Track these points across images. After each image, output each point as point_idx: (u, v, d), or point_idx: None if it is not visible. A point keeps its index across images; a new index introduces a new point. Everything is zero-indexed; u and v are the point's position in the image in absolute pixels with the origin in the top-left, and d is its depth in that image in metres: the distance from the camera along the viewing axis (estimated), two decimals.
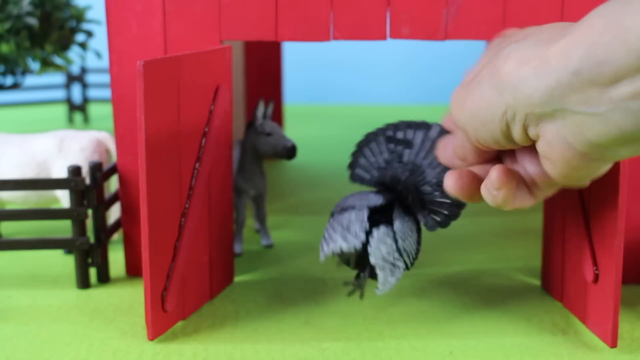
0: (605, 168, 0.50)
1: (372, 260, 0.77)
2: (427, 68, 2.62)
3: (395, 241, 0.78)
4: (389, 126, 0.84)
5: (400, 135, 0.83)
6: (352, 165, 0.86)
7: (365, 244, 0.78)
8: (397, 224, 0.79)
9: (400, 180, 0.81)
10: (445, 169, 0.75)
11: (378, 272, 0.77)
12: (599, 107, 0.44)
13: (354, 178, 0.85)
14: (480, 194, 0.57)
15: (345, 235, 0.78)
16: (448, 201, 0.80)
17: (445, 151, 0.61)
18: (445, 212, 0.80)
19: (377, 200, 0.80)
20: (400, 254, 0.79)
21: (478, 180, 0.57)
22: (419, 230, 0.82)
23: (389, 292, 0.93)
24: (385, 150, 0.83)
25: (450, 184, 0.57)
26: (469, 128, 0.54)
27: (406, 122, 0.83)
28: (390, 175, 0.82)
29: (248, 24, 0.90)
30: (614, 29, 0.42)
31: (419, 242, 0.82)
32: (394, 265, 0.78)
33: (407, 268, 0.80)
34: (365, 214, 0.79)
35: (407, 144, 0.82)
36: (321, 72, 2.54)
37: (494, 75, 0.49)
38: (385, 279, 0.78)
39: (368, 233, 0.78)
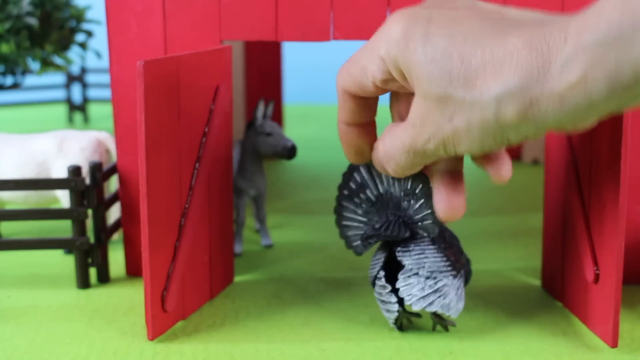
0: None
1: (416, 308, 0.78)
2: None
3: (417, 273, 0.78)
4: (340, 187, 0.83)
5: (352, 185, 0.82)
6: (348, 243, 0.83)
7: (402, 300, 0.79)
8: (406, 261, 0.78)
9: (388, 218, 0.80)
10: (407, 178, 0.78)
11: (435, 309, 0.78)
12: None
13: (359, 250, 0.83)
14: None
15: (386, 310, 0.80)
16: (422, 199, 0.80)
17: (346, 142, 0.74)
18: (429, 210, 0.79)
19: (381, 256, 0.81)
20: (432, 277, 0.78)
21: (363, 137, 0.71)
22: (434, 242, 0.80)
23: None
24: (356, 207, 0.82)
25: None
26: (459, 153, 0.61)
27: (349, 170, 0.82)
28: (377, 220, 0.81)
29: (248, 24, 0.90)
30: None
31: (444, 248, 0.80)
32: (437, 290, 0.78)
33: (456, 273, 0.80)
34: (383, 279, 0.79)
35: (362, 186, 0.81)
36: (321, 72, 2.54)
37: (494, 128, 0.55)
38: (447, 306, 0.78)
39: (396, 290, 0.79)
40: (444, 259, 0.79)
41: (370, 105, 0.70)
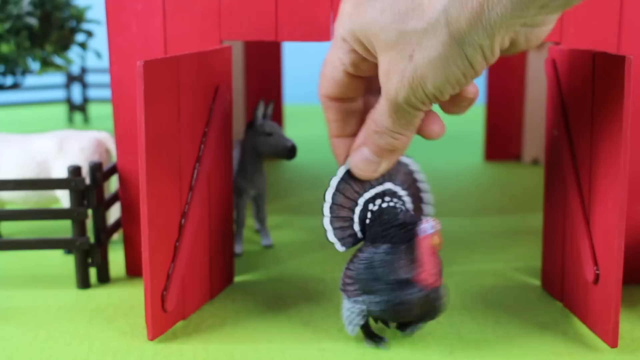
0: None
1: None
2: None
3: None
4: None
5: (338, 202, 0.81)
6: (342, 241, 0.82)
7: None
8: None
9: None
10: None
11: None
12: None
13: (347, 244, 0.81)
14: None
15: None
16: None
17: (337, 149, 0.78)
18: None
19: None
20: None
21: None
22: (351, 260, 0.79)
23: None
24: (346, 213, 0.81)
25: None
26: (432, 98, 0.65)
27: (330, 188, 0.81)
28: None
29: (248, 24, 0.90)
30: None
31: (346, 268, 0.79)
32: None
33: (346, 295, 0.77)
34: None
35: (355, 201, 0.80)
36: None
37: (451, 41, 0.59)
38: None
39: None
40: (344, 278, 0.78)
41: (355, 112, 0.73)
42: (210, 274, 0.90)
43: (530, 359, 0.76)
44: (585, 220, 0.81)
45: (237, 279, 0.97)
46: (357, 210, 0.79)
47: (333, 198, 0.81)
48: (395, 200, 0.79)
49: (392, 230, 0.75)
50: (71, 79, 2.03)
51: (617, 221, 0.75)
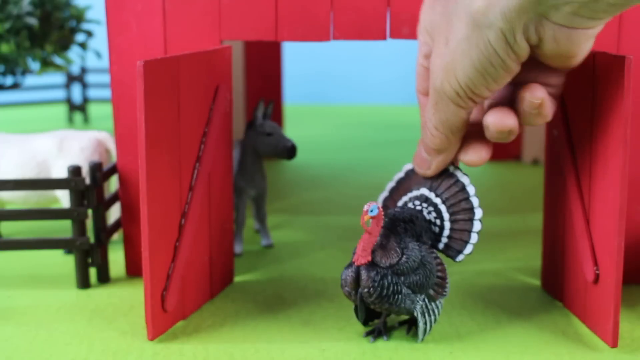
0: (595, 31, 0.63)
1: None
2: None
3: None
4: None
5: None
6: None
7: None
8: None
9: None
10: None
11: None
12: None
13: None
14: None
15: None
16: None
17: (419, 159, 0.77)
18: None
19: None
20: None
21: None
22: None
23: None
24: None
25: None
26: (465, 88, 0.63)
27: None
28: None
29: (248, 24, 0.90)
30: None
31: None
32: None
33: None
34: None
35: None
36: (321, 72, 2.54)
37: (471, 22, 0.59)
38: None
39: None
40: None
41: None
42: (210, 274, 0.90)
43: (530, 359, 0.76)
44: (585, 220, 0.81)
45: (237, 279, 0.97)
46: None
47: (385, 197, 0.85)
48: (425, 205, 0.81)
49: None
50: (71, 79, 2.03)
51: (617, 221, 0.75)
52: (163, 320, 0.81)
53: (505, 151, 1.65)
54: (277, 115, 1.63)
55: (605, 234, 0.77)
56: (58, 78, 2.31)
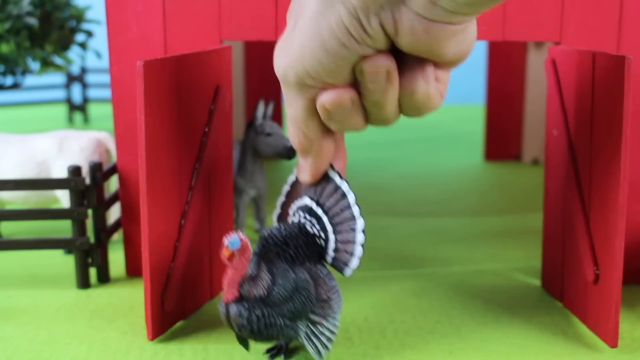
0: (464, 31, 0.54)
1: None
2: None
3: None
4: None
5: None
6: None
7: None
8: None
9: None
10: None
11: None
12: None
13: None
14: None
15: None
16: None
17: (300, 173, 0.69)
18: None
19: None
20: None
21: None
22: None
23: (389, 291, 0.93)
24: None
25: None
26: (313, 73, 0.56)
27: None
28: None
29: (248, 24, 0.90)
30: None
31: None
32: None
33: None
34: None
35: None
36: None
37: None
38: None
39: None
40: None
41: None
42: (210, 274, 0.90)
43: (530, 359, 0.76)
44: (585, 220, 0.81)
45: None
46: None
47: (282, 202, 0.79)
48: (308, 217, 0.73)
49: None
50: (71, 79, 2.03)
51: (617, 221, 0.75)
52: (163, 320, 0.81)
53: (505, 151, 1.65)
54: (277, 115, 1.63)
55: (605, 234, 0.77)
56: (58, 78, 2.31)
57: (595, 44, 0.88)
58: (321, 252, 0.73)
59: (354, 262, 0.71)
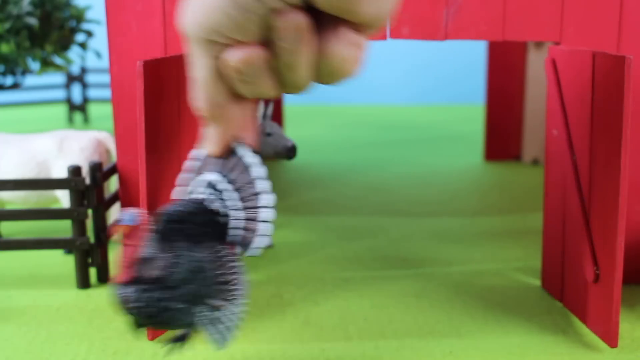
0: None
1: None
2: (427, 68, 2.62)
3: None
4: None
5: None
6: None
7: None
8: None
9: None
10: None
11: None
12: None
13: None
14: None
15: None
16: None
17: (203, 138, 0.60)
18: None
19: None
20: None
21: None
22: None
23: (389, 291, 0.93)
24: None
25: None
26: (221, 28, 0.51)
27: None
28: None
29: None
30: None
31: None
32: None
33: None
34: None
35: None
36: None
37: None
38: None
39: None
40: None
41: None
42: None
43: (530, 359, 0.76)
44: (585, 220, 0.81)
45: None
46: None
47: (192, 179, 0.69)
48: (211, 193, 0.66)
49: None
50: (71, 79, 2.03)
51: (617, 221, 0.75)
52: None
53: (505, 151, 1.65)
54: (277, 115, 1.63)
55: (605, 234, 0.77)
56: (58, 78, 2.31)
57: (595, 44, 0.88)
58: (225, 230, 0.66)
59: (259, 241, 0.65)
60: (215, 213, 0.66)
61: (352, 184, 1.45)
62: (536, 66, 1.58)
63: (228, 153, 0.64)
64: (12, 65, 1.47)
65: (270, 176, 1.45)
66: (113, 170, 0.97)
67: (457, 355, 0.77)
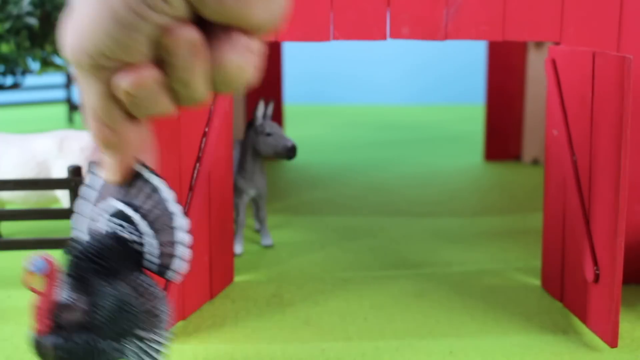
0: None
1: None
2: (427, 68, 2.62)
3: None
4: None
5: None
6: None
7: None
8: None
9: None
10: None
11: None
12: None
13: None
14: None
15: None
16: None
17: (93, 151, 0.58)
18: None
19: None
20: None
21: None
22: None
23: (389, 291, 0.93)
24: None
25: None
26: (107, 52, 0.48)
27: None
28: None
29: None
30: None
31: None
32: None
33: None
34: None
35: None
36: (321, 72, 2.54)
37: None
38: None
39: None
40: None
41: None
42: (210, 274, 0.90)
43: (530, 359, 0.76)
44: (585, 220, 0.81)
45: (237, 279, 0.97)
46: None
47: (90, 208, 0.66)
48: (119, 222, 0.63)
49: None
50: (71, 79, 2.03)
51: (617, 221, 0.75)
52: None
53: (505, 151, 1.65)
54: (277, 115, 1.63)
55: (605, 234, 0.77)
56: (58, 78, 2.31)
57: (595, 44, 0.88)
58: (140, 258, 0.64)
59: (178, 265, 0.63)
60: (128, 243, 0.63)
61: (352, 184, 1.45)
62: (536, 66, 1.58)
63: (129, 178, 0.60)
64: (12, 65, 1.47)
65: (270, 176, 1.45)
66: None
67: (457, 355, 0.77)
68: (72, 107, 2.03)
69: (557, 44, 0.89)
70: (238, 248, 1.06)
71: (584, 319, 0.83)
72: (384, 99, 2.57)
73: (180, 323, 0.84)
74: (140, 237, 0.63)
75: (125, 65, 0.50)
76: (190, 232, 0.82)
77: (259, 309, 0.88)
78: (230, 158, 0.93)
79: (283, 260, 1.04)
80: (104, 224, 0.63)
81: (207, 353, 0.77)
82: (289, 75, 2.11)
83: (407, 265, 1.02)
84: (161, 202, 0.63)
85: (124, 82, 0.51)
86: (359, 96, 2.56)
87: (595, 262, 0.79)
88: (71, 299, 0.61)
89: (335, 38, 0.90)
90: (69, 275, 0.61)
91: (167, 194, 0.62)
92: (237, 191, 1.05)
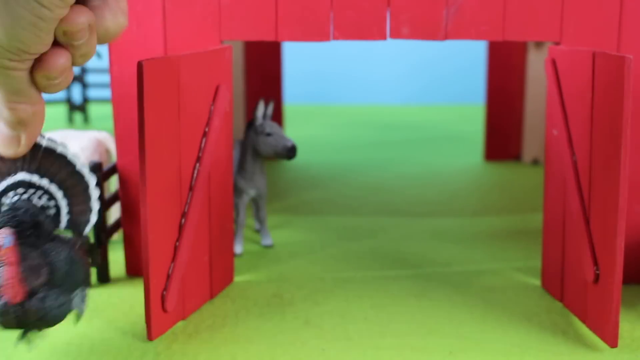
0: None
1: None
2: (427, 68, 2.62)
3: None
4: None
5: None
6: None
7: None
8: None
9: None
10: None
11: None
12: None
13: None
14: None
15: None
16: None
17: None
18: None
19: None
20: None
21: None
22: None
23: (389, 291, 0.93)
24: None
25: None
26: (15, 52, 0.54)
27: None
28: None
29: (248, 24, 0.90)
30: None
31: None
32: None
33: None
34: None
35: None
36: (321, 72, 2.54)
37: None
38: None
39: None
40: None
41: None
42: (210, 274, 0.90)
43: (530, 359, 0.76)
44: (585, 220, 0.81)
45: (237, 279, 0.97)
46: None
47: None
48: (32, 191, 0.68)
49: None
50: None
51: (617, 221, 0.75)
52: (163, 320, 0.81)
53: (505, 151, 1.65)
54: (277, 115, 1.63)
55: (605, 234, 0.77)
56: None
57: (595, 44, 0.88)
58: (58, 221, 0.70)
59: (92, 219, 0.71)
60: (45, 208, 0.69)
61: (352, 184, 1.45)
62: (536, 66, 1.58)
63: (35, 151, 0.69)
64: None
65: (270, 176, 1.45)
66: (113, 170, 0.97)
67: (457, 355, 0.77)
68: (72, 107, 2.03)
69: (557, 44, 0.89)
70: (238, 248, 1.06)
71: (584, 319, 0.83)
72: (384, 99, 2.57)
73: (180, 323, 0.84)
74: (54, 201, 0.69)
75: (34, 56, 0.56)
76: (191, 232, 0.85)
77: (259, 309, 0.88)
78: (230, 158, 0.93)
79: (283, 260, 1.04)
80: (14, 195, 0.69)
81: (207, 353, 0.77)
82: (289, 75, 2.11)
83: (407, 265, 1.02)
84: (66, 164, 0.70)
85: (48, 70, 0.59)
86: (359, 96, 2.56)
87: (595, 262, 0.79)
88: (34, 264, 0.65)
89: (335, 38, 0.90)
90: (21, 244, 0.65)
91: (71, 157, 0.70)
92: (237, 191, 1.05)
